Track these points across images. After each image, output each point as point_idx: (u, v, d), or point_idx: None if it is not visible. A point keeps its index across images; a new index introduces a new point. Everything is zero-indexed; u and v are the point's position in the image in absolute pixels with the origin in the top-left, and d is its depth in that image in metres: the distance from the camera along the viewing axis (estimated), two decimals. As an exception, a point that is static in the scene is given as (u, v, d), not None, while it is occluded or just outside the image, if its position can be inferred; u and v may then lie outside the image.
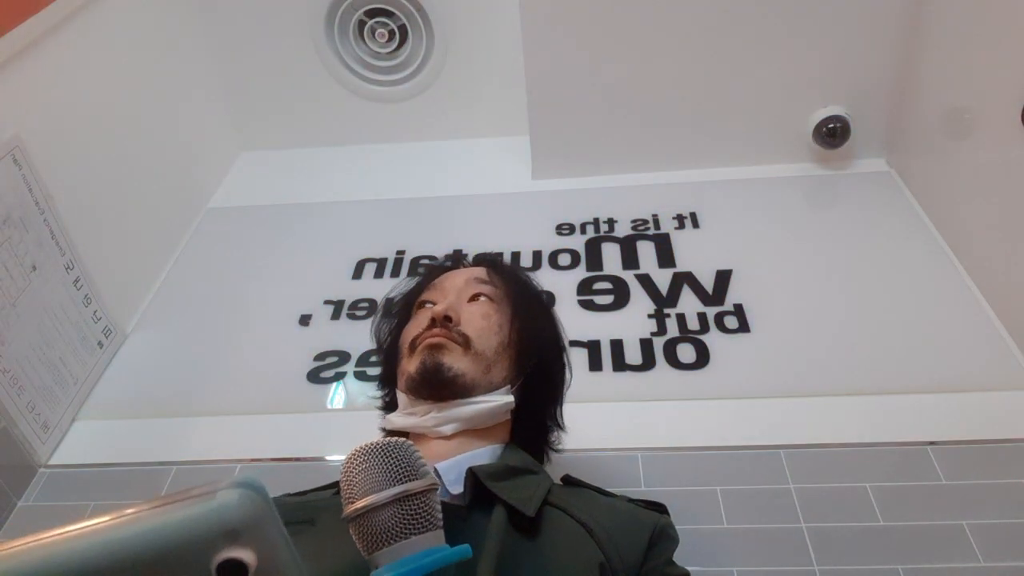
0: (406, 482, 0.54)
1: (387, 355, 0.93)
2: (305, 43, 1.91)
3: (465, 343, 0.81)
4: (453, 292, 0.88)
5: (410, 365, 0.82)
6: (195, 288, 1.63)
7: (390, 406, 0.93)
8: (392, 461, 0.55)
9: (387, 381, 0.94)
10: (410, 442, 0.58)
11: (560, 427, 0.97)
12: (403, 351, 0.85)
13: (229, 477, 0.39)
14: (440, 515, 0.56)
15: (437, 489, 0.56)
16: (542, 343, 0.92)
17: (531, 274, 1.50)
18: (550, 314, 0.98)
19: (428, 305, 0.88)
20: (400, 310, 0.94)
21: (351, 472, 0.55)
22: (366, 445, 0.56)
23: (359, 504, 0.53)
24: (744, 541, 1.02)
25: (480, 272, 0.92)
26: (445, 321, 0.82)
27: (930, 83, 1.55)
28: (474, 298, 0.88)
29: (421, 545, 0.53)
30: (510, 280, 0.93)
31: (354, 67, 1.94)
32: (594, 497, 0.79)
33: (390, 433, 0.89)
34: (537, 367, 0.90)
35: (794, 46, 1.63)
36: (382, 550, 0.52)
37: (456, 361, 0.80)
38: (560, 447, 0.98)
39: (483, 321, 0.85)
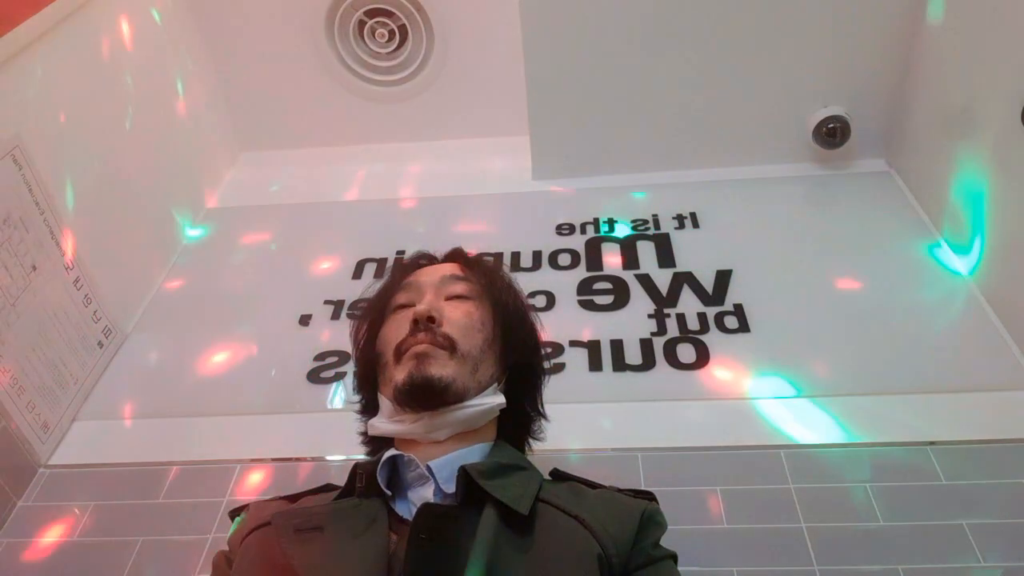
0: None
1: (364, 358, 0.91)
2: (305, 43, 1.91)
3: (451, 347, 0.80)
4: (430, 290, 0.86)
5: (398, 374, 0.79)
6: (195, 288, 1.63)
7: (368, 408, 0.92)
8: None
9: (364, 384, 0.92)
10: None
11: (543, 416, 0.96)
12: (387, 357, 0.83)
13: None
14: None
15: None
16: (524, 335, 0.91)
17: (531, 274, 1.55)
18: (525, 303, 0.96)
19: (406, 307, 0.86)
20: (374, 311, 0.91)
21: None
22: None
23: None
24: (744, 541, 1.02)
25: (454, 269, 0.90)
26: (428, 322, 0.81)
27: (930, 83, 1.55)
28: (452, 296, 0.86)
29: None
30: (485, 274, 0.91)
31: (354, 67, 1.94)
32: (582, 490, 0.80)
33: (374, 439, 0.88)
34: (521, 360, 0.89)
35: (794, 46, 1.63)
36: None
37: (444, 368, 0.78)
38: (542, 436, 0.96)
39: (466, 319, 0.83)
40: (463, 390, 0.79)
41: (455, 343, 0.80)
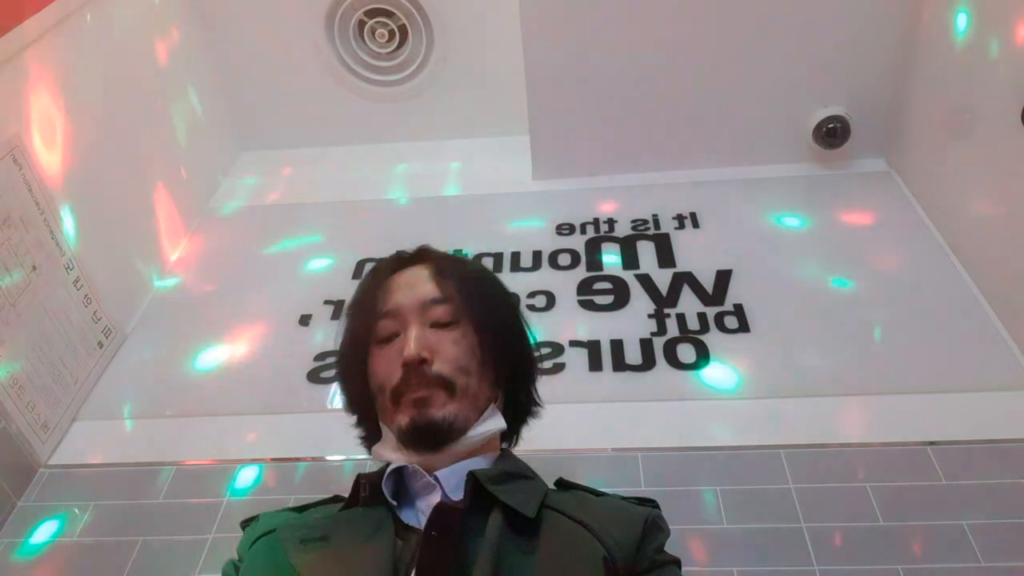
0: None
1: (356, 396, 0.87)
2: (305, 43, 1.91)
3: (448, 387, 0.78)
4: (414, 318, 0.82)
5: (400, 418, 0.78)
6: (195, 288, 1.63)
7: (368, 437, 0.88)
8: None
9: (362, 419, 0.88)
10: None
11: (538, 403, 0.95)
12: (384, 399, 0.80)
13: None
14: None
15: None
16: (513, 341, 0.88)
17: (531, 274, 1.54)
18: (508, 300, 0.92)
19: (392, 337, 0.82)
20: (357, 344, 0.86)
21: None
22: None
23: None
24: (744, 541, 1.02)
25: (431, 291, 0.85)
26: (420, 365, 0.78)
27: (930, 83, 1.55)
28: (436, 323, 0.82)
29: None
30: (461, 283, 0.86)
31: (354, 67, 1.94)
32: (587, 497, 0.80)
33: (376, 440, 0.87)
34: (515, 370, 0.87)
35: (794, 46, 1.63)
36: None
37: (445, 409, 0.77)
38: (538, 413, 0.92)
39: (455, 348, 0.80)
40: (465, 424, 0.79)
41: (452, 383, 0.80)
